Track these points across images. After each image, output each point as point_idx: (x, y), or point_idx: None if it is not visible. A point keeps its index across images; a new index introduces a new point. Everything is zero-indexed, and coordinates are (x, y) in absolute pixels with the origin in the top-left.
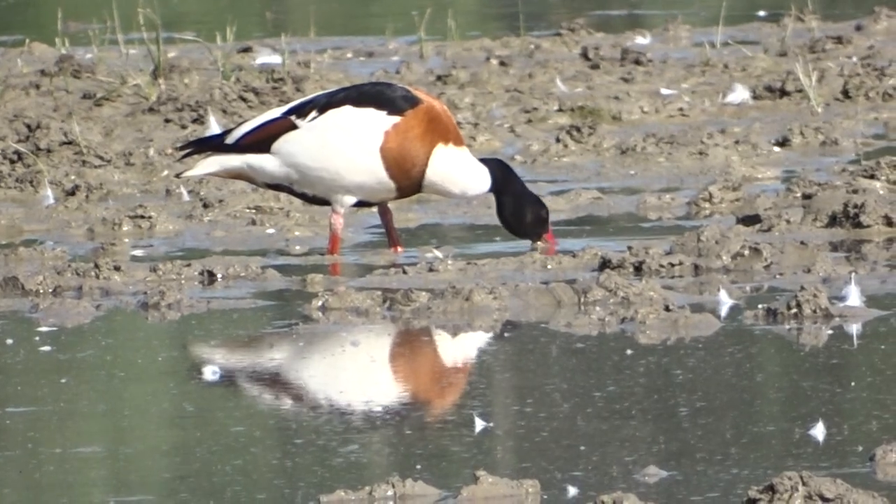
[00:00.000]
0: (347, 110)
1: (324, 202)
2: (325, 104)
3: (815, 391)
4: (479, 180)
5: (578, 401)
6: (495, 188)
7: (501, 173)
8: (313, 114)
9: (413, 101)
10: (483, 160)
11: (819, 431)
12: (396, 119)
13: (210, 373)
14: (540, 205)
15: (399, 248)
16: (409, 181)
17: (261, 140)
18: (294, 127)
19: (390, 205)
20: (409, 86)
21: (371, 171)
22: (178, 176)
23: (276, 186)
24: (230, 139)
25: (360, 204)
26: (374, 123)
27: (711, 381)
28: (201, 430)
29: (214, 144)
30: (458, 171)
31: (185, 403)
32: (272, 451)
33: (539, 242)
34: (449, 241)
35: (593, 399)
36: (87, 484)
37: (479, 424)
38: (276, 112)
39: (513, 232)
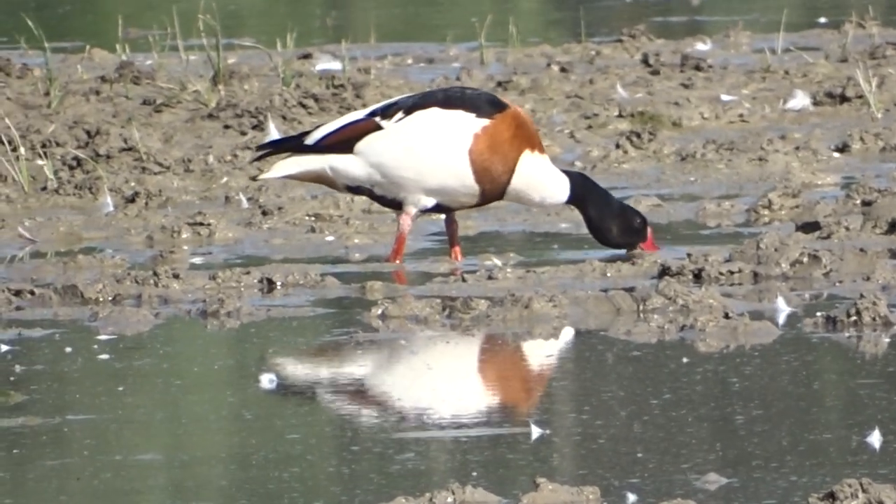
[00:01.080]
0: (435, 112)
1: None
2: (411, 106)
3: (874, 399)
4: (559, 190)
5: (636, 408)
6: (574, 200)
7: (582, 185)
8: (399, 115)
9: (501, 106)
10: (565, 171)
11: (876, 439)
12: (486, 122)
13: (267, 381)
14: (631, 214)
15: (460, 257)
16: (493, 186)
17: (343, 141)
18: (379, 128)
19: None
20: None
21: (457, 174)
22: (254, 178)
23: (356, 189)
24: (310, 140)
25: (436, 209)
26: (463, 125)
27: (770, 388)
28: (258, 437)
29: (293, 146)
30: (541, 179)
31: (243, 411)
32: (329, 458)
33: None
34: (508, 249)
35: (651, 406)
36: (145, 491)
37: (536, 432)
38: (359, 114)
39: (604, 243)
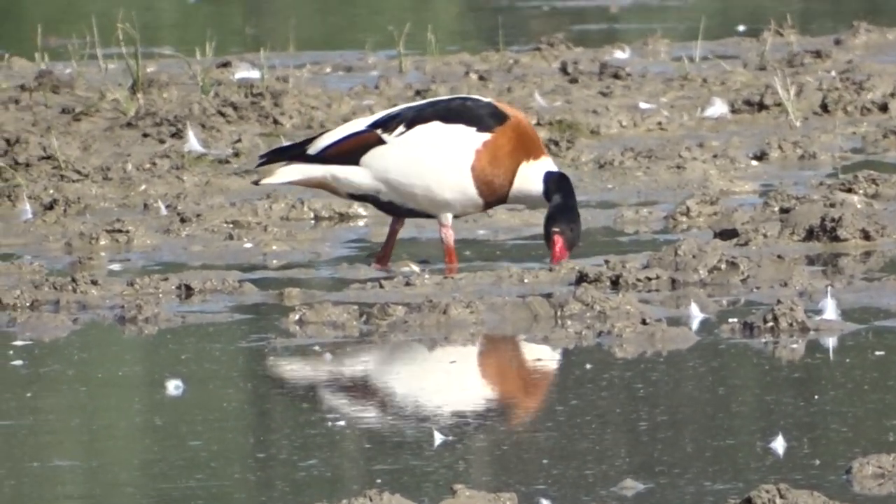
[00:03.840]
0: (437, 126)
1: (410, 213)
2: (412, 119)
3: (780, 404)
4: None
5: (546, 414)
6: (545, 195)
7: (555, 184)
8: (401, 128)
9: (501, 118)
10: (548, 172)
11: (780, 444)
12: (487, 136)
13: (173, 387)
14: (563, 221)
15: (386, 263)
16: (495, 197)
17: (347, 152)
18: (381, 141)
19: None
20: (496, 100)
21: (461, 189)
22: (256, 183)
23: (362, 197)
24: (312, 149)
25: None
26: (464, 141)
27: (686, 394)
28: (163, 444)
29: (295, 154)
30: (535, 183)
31: (150, 417)
32: (235, 465)
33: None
34: (426, 256)
35: (561, 412)
36: (52, 499)
37: (439, 438)
38: (359, 124)
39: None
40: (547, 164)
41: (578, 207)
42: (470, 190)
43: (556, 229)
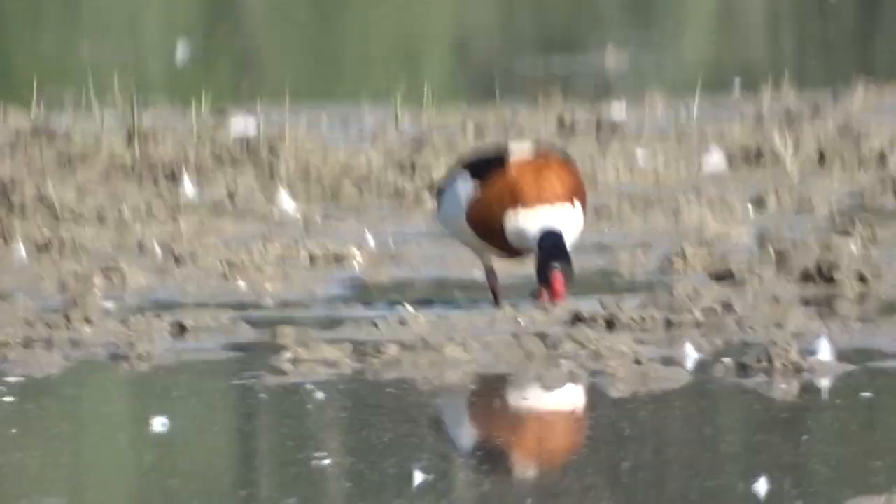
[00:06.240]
0: (460, 173)
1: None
2: (453, 167)
3: (767, 445)
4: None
5: (535, 453)
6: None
7: (546, 234)
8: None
9: (500, 165)
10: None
11: (762, 486)
12: (478, 186)
13: (159, 424)
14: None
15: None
16: (502, 242)
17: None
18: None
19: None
20: (527, 141)
21: (468, 237)
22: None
23: None
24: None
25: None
26: (464, 190)
27: (674, 434)
28: (144, 481)
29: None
30: (528, 231)
31: (134, 454)
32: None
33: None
34: (422, 296)
35: (549, 451)
36: None
37: (419, 477)
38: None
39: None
40: (541, 213)
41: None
42: (474, 239)
43: (556, 265)
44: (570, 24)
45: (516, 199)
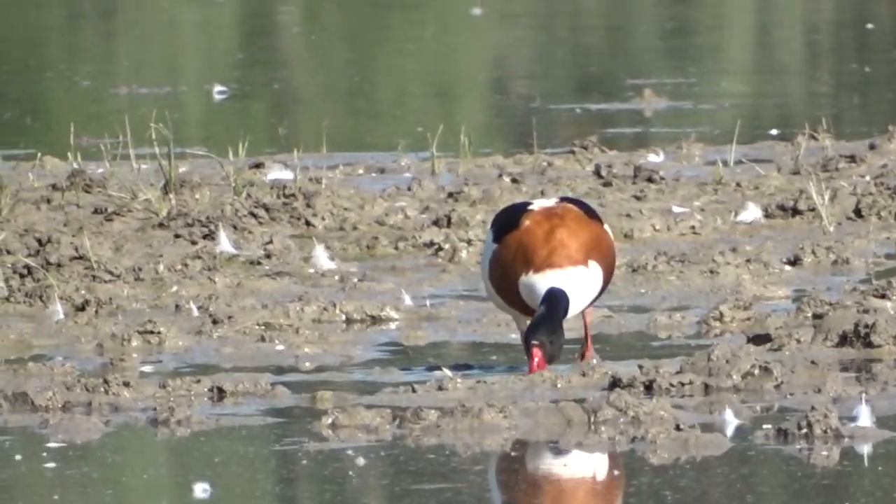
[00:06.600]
0: (488, 234)
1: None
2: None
3: None
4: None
5: None
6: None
7: (547, 298)
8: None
9: (514, 226)
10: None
11: None
12: (495, 247)
13: (201, 490)
14: (542, 332)
15: (589, 353)
16: (522, 307)
17: None
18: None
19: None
20: (553, 198)
21: (496, 298)
22: None
23: None
24: None
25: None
26: (488, 252)
27: (714, 501)
28: None
29: None
30: (535, 295)
31: None
32: None
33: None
34: (458, 360)
35: None
36: None
37: None
38: None
39: None
40: (551, 276)
41: (564, 322)
42: (496, 297)
43: (535, 342)
44: (608, 66)
45: (527, 262)
